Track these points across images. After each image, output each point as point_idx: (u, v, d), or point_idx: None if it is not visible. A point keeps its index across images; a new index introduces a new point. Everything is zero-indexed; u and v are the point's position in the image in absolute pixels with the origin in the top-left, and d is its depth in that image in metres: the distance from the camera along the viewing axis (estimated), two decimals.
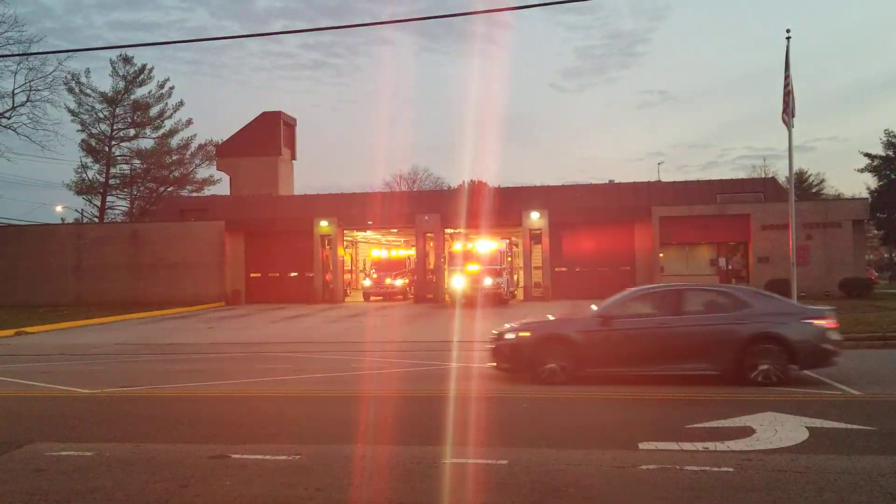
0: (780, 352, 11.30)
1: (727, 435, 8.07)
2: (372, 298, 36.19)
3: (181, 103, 59.19)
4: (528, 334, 12.11)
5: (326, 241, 36.05)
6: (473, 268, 30.30)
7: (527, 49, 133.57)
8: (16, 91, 37.33)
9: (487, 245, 31.52)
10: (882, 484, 6.31)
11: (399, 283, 36.47)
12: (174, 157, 59.47)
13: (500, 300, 30.11)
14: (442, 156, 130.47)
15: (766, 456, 7.27)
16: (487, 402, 10.53)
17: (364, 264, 41.65)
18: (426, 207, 36.21)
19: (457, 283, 30.34)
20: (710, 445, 7.65)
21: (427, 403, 10.54)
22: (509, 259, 32.47)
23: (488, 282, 29.90)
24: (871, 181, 47.18)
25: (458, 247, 32.19)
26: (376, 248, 41.82)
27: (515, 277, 35.70)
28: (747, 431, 8.20)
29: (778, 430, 8.26)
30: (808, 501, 5.93)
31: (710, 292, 12.96)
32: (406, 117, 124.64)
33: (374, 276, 36.96)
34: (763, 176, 56.47)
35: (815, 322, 11.63)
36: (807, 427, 8.32)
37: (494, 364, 12.51)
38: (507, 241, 33.23)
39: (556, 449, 7.69)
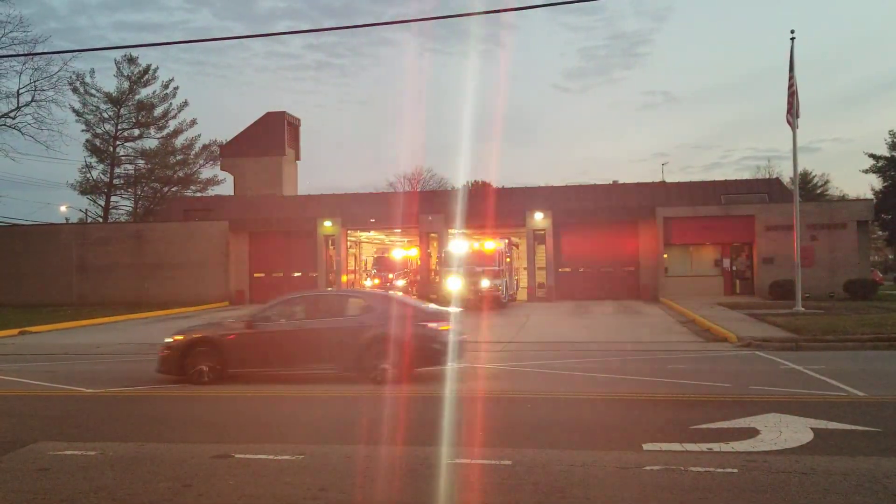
0: (396, 352, 11.99)
1: (732, 436, 8.04)
2: None
3: (185, 103, 59.32)
4: (181, 338, 12.80)
5: (330, 241, 36.07)
6: (470, 269, 28.43)
7: (530, 50, 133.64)
8: (21, 91, 37.50)
9: (485, 245, 29.80)
10: (887, 485, 6.29)
11: (400, 283, 35.93)
12: (178, 158, 59.57)
13: (498, 303, 28.54)
14: (445, 156, 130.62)
15: (771, 457, 7.24)
16: (496, 402, 10.54)
17: (366, 264, 41.06)
18: (430, 208, 36.22)
19: (452, 285, 28.36)
20: (715, 446, 7.62)
21: (435, 404, 10.52)
22: (508, 260, 30.56)
23: (486, 284, 28.23)
24: (876, 182, 47.14)
25: (453, 247, 30.28)
26: (378, 248, 42.09)
27: (516, 279, 34.30)
28: (752, 432, 8.17)
29: (783, 431, 8.23)
30: (812, 503, 5.91)
31: (345, 297, 14.68)
32: (409, 118, 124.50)
33: (376, 276, 36.61)
34: (767, 177, 56.37)
35: (429, 325, 12.46)
36: (811, 428, 8.28)
37: (158, 369, 12.86)
38: (507, 240, 31.35)
39: (559, 450, 7.66)
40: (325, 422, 9.49)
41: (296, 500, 6.16)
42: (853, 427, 8.42)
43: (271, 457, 7.45)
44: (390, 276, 36.60)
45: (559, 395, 11.06)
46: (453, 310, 13.63)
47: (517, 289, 34.11)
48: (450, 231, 35.67)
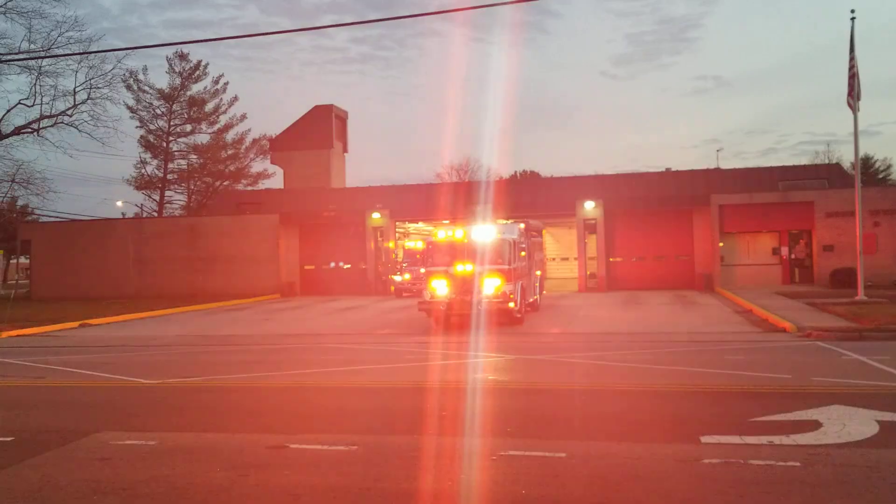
0: None
1: (793, 428, 7.81)
2: (405, 295, 31.48)
3: (235, 98, 60.22)
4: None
5: (379, 234, 36.23)
6: (464, 268, 19.47)
7: (576, 37, 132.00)
8: (77, 89, 38.33)
9: (486, 233, 20.10)
10: None
11: None
12: (229, 152, 60.54)
13: (509, 317, 19.46)
14: (493, 147, 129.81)
15: (835, 450, 7.03)
16: (548, 394, 10.45)
17: (396, 256, 35.64)
18: (477, 198, 36.09)
19: (439, 290, 19.59)
20: (776, 439, 7.42)
21: (485, 395, 10.47)
22: (523, 253, 21.10)
23: (490, 289, 19.30)
24: None
25: (439, 235, 20.72)
26: (410, 241, 36.10)
27: (538, 274, 25.14)
28: (814, 425, 7.94)
29: (846, 423, 7.97)
30: (879, 497, 5.71)
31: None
32: (455, 109, 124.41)
33: (406, 269, 32.53)
34: (826, 162, 54.76)
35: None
36: (877, 420, 8.01)
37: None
38: (523, 224, 22.06)
39: (615, 442, 7.55)
40: (378, 412, 9.51)
41: (350, 490, 6.18)
42: None
43: (326, 447, 7.50)
44: (422, 270, 33.97)
45: (612, 386, 10.90)
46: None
47: (541, 291, 25.35)
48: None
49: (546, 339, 17.19)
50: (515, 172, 65.07)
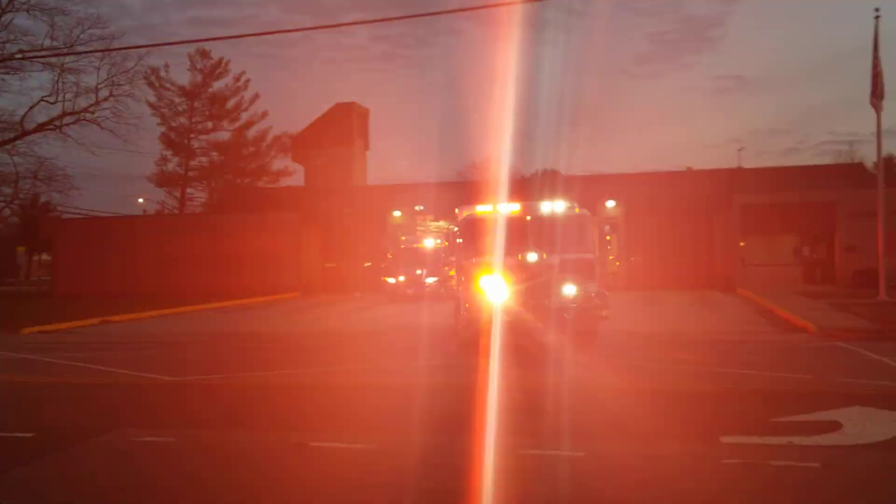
0: None
1: (813, 429, 7.76)
2: (399, 299, 28.63)
3: (256, 96, 60.50)
4: None
5: (400, 232, 36.27)
6: (531, 256, 13.85)
7: (597, 36, 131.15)
8: (99, 86, 38.74)
9: (556, 209, 14.67)
10: None
11: (431, 280, 29.21)
12: (250, 149, 60.88)
13: (591, 336, 14.34)
14: (513, 145, 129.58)
15: (855, 451, 6.99)
16: (570, 393, 10.44)
17: (389, 254, 32.32)
18: (497, 195, 35.97)
19: (493, 292, 13.45)
20: (796, 440, 7.37)
21: (506, 394, 10.48)
22: (609, 237, 17.56)
23: (570, 290, 13.77)
24: None
25: (481, 210, 14.85)
26: (408, 237, 33.15)
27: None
28: (834, 426, 7.88)
29: (867, 424, 7.91)
30: None
31: None
32: (477, 107, 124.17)
33: (401, 271, 29.79)
34: (849, 162, 54.09)
35: None
36: None
37: None
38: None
39: (634, 441, 7.54)
40: (399, 412, 9.52)
41: (370, 488, 6.23)
42: None
43: (346, 445, 7.54)
44: (419, 271, 29.57)
45: (633, 386, 10.86)
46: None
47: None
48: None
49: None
50: (536, 171, 64.92)
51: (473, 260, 14.14)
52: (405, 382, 11.58)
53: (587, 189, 35.95)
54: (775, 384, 10.60)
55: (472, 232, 14.48)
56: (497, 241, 13.70)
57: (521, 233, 13.98)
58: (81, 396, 11.02)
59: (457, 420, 8.67)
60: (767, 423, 8.06)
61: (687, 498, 5.89)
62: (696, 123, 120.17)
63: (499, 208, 14.39)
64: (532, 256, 13.79)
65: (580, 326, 13.69)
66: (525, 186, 36.48)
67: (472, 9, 23.97)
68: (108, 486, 6.45)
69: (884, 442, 7.28)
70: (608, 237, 15.45)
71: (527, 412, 9.08)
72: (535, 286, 13.60)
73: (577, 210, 14.87)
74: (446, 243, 28.61)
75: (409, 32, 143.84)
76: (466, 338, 13.62)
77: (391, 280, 29.91)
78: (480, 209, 14.72)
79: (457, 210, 15.95)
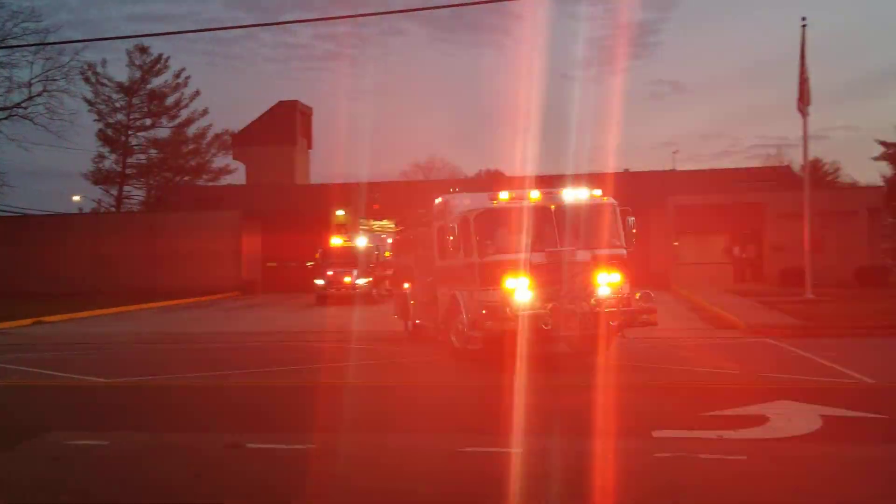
0: None
1: (741, 423, 8.05)
2: (329, 302, 27.21)
3: (197, 93, 59.14)
4: None
5: (343, 231, 36.08)
6: (563, 250, 12.02)
7: (539, 39, 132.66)
8: (32, 81, 37.61)
9: (580, 196, 12.82)
10: (894, 472, 6.31)
11: (361, 282, 27.88)
12: (190, 147, 59.61)
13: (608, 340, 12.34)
14: (457, 146, 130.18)
15: (780, 444, 7.28)
16: (498, 391, 10.60)
17: (317, 254, 30.48)
18: (441, 195, 36.09)
19: (521, 294, 11.62)
20: (725, 433, 7.63)
21: (447, 392, 10.58)
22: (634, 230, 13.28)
23: (610, 291, 12.13)
24: (886, 169, 46.64)
25: (502, 197, 12.73)
26: (336, 237, 31.71)
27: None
28: (761, 419, 8.18)
29: (792, 418, 8.22)
30: (819, 490, 5.94)
31: None
32: (421, 107, 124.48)
33: (326, 272, 28.18)
34: (778, 165, 55.92)
35: None
36: (820, 415, 8.27)
37: None
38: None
39: (569, 437, 7.69)
40: (337, 411, 9.51)
41: (309, 488, 6.25)
42: (862, 414, 8.43)
43: (284, 446, 7.52)
44: (352, 273, 27.97)
45: (568, 383, 11.05)
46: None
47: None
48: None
49: None
50: (479, 171, 65.25)
51: (494, 257, 11.93)
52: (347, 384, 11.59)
53: (528, 188, 36.40)
54: (706, 380, 10.95)
55: (489, 225, 12.34)
56: (523, 234, 11.92)
57: (546, 225, 12.12)
58: (11, 399, 10.69)
59: (401, 417, 8.75)
60: (698, 418, 8.32)
61: (617, 492, 6.05)
62: (633, 127, 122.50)
63: (518, 196, 12.43)
64: (566, 252, 11.90)
65: (611, 329, 11.81)
66: (471, 187, 36.64)
67: (415, 9, 24.11)
68: (36, 489, 6.31)
69: (807, 434, 7.58)
70: (634, 230, 12.96)
71: (461, 401, 9.19)
72: (571, 287, 11.74)
73: (603, 198, 13.07)
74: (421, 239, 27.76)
75: (353, 32, 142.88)
76: (461, 346, 12.55)
77: (319, 282, 28.34)
78: (493, 198, 12.64)
79: (439, 200, 14.38)
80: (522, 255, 11.73)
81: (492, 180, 46.38)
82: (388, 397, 10.45)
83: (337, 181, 41.98)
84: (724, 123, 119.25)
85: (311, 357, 14.38)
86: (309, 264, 32.33)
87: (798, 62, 22.67)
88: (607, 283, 12.07)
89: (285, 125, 46.03)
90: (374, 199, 36.29)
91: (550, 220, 12.16)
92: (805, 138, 23.42)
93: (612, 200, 13.14)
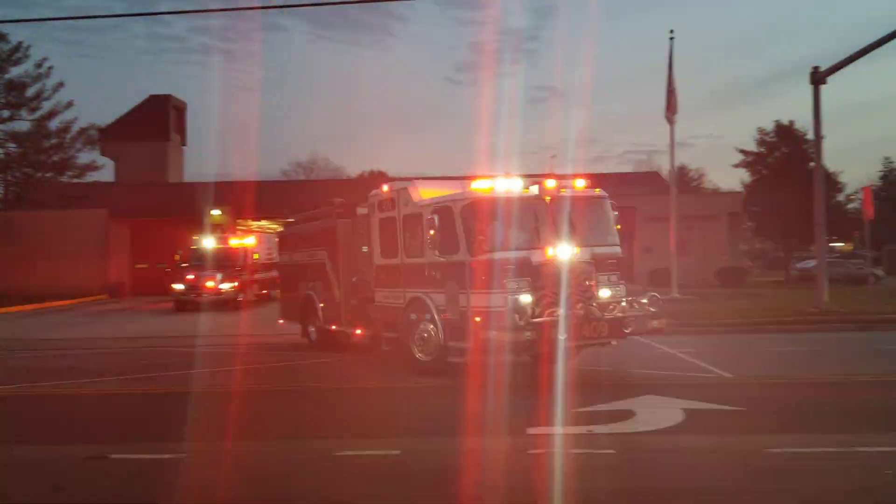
0: None
1: (610, 418, 8.35)
2: (189, 308, 25.60)
3: (61, 84, 55.80)
4: None
5: (219, 231, 35.01)
6: (565, 250, 10.59)
7: (422, 42, 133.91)
8: None
9: (573, 188, 11.60)
10: (748, 462, 6.71)
11: (226, 286, 26.01)
12: (53, 141, 56.20)
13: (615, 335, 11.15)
14: (341, 146, 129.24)
15: (646, 437, 7.61)
16: (377, 392, 10.58)
17: (177, 255, 28.28)
18: (326, 196, 35.67)
19: (525, 296, 10.20)
20: (595, 428, 7.89)
21: (308, 396, 10.45)
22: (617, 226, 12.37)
23: (615, 294, 11.34)
24: (746, 176, 49.72)
25: (498, 188, 10.70)
26: (200, 237, 29.68)
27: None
28: (628, 414, 8.53)
29: (657, 411, 8.62)
30: (682, 479, 6.25)
31: None
32: (303, 106, 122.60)
33: (186, 276, 26.18)
34: (647, 170, 58.76)
35: None
36: (683, 409, 8.71)
37: None
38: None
39: (446, 437, 7.77)
40: (206, 419, 9.21)
41: (175, 499, 6.02)
42: (721, 407, 8.92)
43: (150, 456, 7.20)
44: (215, 277, 25.95)
45: (448, 385, 11.12)
46: None
47: None
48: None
49: None
50: (363, 172, 65.01)
51: (492, 255, 10.25)
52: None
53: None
54: (579, 376, 11.30)
55: (480, 217, 10.53)
56: (521, 229, 10.71)
57: (542, 219, 10.82)
58: None
59: (266, 422, 8.55)
60: (570, 414, 8.56)
61: (494, 489, 6.15)
62: (513, 130, 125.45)
63: (508, 186, 10.72)
64: (567, 250, 10.61)
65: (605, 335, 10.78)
66: (353, 187, 36.44)
67: (296, 6, 23.69)
68: None
69: (671, 427, 7.97)
70: (618, 226, 11.98)
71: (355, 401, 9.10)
72: (576, 291, 10.49)
73: (596, 190, 11.95)
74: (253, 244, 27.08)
75: (230, 26, 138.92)
76: (429, 361, 11.13)
77: (178, 286, 26.11)
78: (478, 187, 10.76)
79: (385, 188, 12.63)
80: (524, 253, 10.37)
81: (374, 182, 46.33)
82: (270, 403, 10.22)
83: (213, 179, 40.77)
84: (599, 130, 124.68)
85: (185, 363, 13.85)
86: (161, 266, 30.26)
87: (666, 73, 23.87)
88: (609, 284, 11.11)
89: (158, 120, 44.28)
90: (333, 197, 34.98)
91: (545, 214, 10.81)
92: (672, 146, 24.73)
93: (604, 193, 12.06)
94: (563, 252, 10.51)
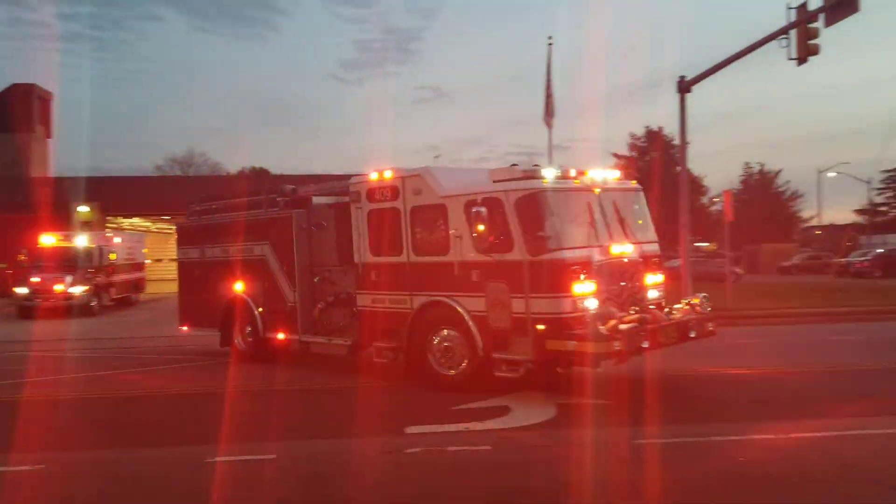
0: None
1: (486, 414, 8.55)
2: (35, 315, 22.85)
3: None
4: None
5: (87, 229, 33.25)
6: (625, 247, 9.85)
7: (306, 38, 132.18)
8: None
9: (615, 179, 10.44)
10: (615, 452, 7.06)
11: (78, 290, 23.67)
12: None
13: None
14: (220, 141, 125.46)
15: (520, 433, 7.84)
16: (246, 395, 10.43)
17: (24, 257, 25.19)
18: (202, 193, 34.56)
19: (590, 300, 9.18)
20: (472, 426, 8.06)
21: (207, 400, 10.19)
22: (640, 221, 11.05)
23: (655, 291, 10.48)
24: None
25: (547, 176, 9.52)
26: (49, 235, 26.45)
27: None
28: (504, 410, 8.75)
29: (531, 407, 8.88)
30: (554, 472, 6.51)
31: None
32: (181, 99, 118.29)
33: (33, 278, 23.49)
34: None
35: None
36: (555, 404, 9.02)
37: None
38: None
39: (324, 439, 7.77)
40: (77, 426, 8.81)
41: None
42: (590, 401, 9.28)
43: (8, 469, 6.83)
44: (64, 280, 23.53)
45: (323, 385, 11.08)
46: None
47: None
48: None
49: None
50: (243, 168, 63.47)
51: (558, 255, 9.07)
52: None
53: (301, 185, 35.97)
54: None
55: (538, 212, 9.26)
56: (581, 225, 9.57)
57: (595, 214, 9.76)
58: None
59: (139, 429, 8.28)
60: (447, 412, 8.71)
61: (372, 489, 6.18)
62: (398, 129, 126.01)
63: (563, 175, 9.73)
64: (627, 248, 9.84)
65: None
66: (234, 184, 35.55)
67: None
68: None
69: (544, 422, 8.26)
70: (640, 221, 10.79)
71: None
72: (634, 293, 9.86)
73: (633, 182, 10.93)
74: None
75: (101, 13, 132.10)
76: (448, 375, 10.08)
77: (21, 290, 23.46)
78: (548, 175, 9.51)
79: (389, 174, 10.70)
80: (587, 252, 9.31)
81: (256, 178, 45.35)
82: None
83: (82, 174, 38.70)
84: (482, 130, 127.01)
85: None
86: (2, 266, 27.30)
87: (544, 77, 24.57)
88: (656, 285, 10.34)
89: (20, 111, 41.57)
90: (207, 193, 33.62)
91: (598, 208, 9.80)
92: (550, 148, 25.49)
93: (640, 186, 10.98)
94: (626, 249, 9.76)
